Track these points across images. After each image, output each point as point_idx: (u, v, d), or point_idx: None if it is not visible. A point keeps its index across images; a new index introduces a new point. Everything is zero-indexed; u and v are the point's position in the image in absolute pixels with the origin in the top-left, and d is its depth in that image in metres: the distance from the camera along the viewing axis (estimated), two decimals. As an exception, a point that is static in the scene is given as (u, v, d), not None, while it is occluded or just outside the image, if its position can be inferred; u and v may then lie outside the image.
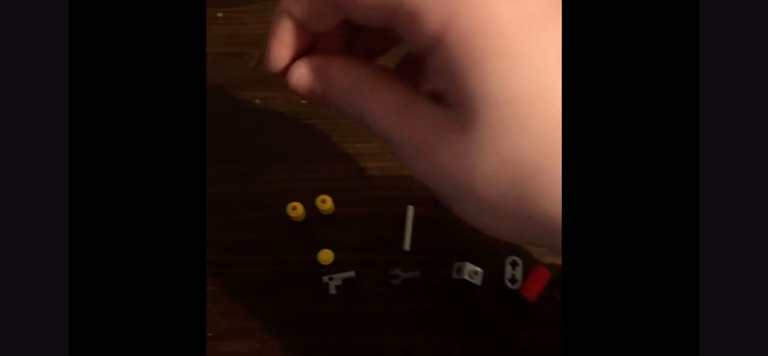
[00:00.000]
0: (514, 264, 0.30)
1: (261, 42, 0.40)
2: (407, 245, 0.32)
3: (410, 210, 0.33)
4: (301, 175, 0.34)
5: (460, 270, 0.30)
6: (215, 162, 0.34)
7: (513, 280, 0.30)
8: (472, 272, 0.30)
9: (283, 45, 0.22)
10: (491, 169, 0.18)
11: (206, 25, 0.40)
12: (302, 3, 0.20)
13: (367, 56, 0.25)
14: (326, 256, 0.31)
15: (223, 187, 0.34)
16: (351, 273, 0.31)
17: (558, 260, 0.31)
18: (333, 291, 0.31)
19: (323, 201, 0.32)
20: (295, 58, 0.22)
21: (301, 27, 0.21)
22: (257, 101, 0.37)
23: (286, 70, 0.23)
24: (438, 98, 0.20)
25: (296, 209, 0.32)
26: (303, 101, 0.37)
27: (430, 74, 0.19)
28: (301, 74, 0.22)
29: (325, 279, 0.31)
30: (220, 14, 0.41)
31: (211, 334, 0.30)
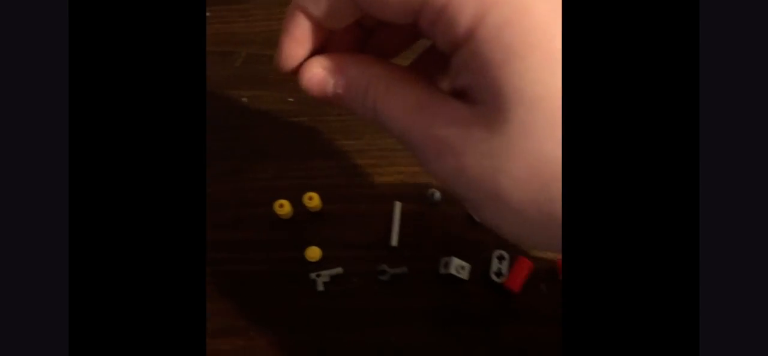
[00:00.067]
0: (500, 258, 0.30)
1: (248, 41, 0.40)
2: (395, 241, 0.32)
3: (397, 206, 0.33)
4: (288, 172, 0.34)
5: (447, 265, 0.30)
6: (202, 161, 0.34)
7: (498, 273, 0.30)
8: (459, 266, 0.30)
9: (295, 43, 0.21)
10: (520, 171, 0.17)
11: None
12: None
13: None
14: (314, 253, 0.31)
15: (211, 185, 0.34)
16: (339, 270, 0.31)
17: (543, 254, 0.31)
18: (321, 287, 0.31)
19: (310, 198, 0.32)
20: (308, 57, 0.21)
21: (315, 24, 0.20)
22: (244, 100, 0.37)
23: (297, 69, 0.21)
24: (461, 96, 0.19)
25: (283, 207, 0.32)
26: (290, 99, 0.37)
27: (456, 71, 0.18)
28: (314, 73, 0.21)
29: (313, 275, 0.31)
30: (208, 13, 0.41)
31: (199, 332, 0.30)
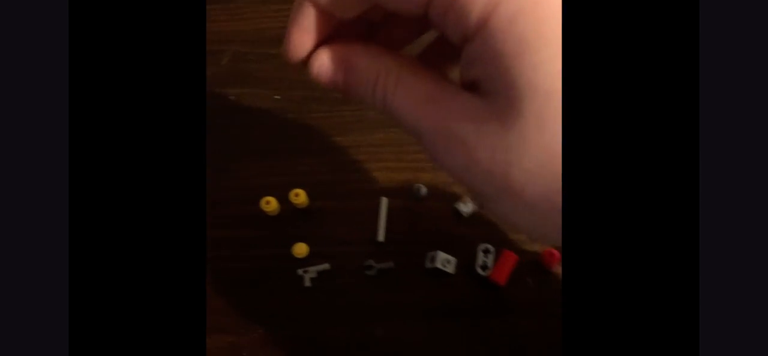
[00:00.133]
0: (486, 252, 0.31)
1: (234, 39, 0.40)
2: (381, 236, 0.32)
3: (384, 202, 0.33)
4: (274, 170, 0.34)
5: (433, 259, 0.30)
6: (189, 159, 0.34)
7: (484, 267, 0.30)
8: (444, 260, 0.30)
9: (304, 33, 0.20)
10: (533, 163, 0.17)
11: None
12: None
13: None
14: (301, 249, 0.32)
15: (197, 184, 0.34)
16: (326, 266, 0.31)
17: (529, 247, 0.31)
18: (308, 283, 0.31)
19: (297, 195, 0.32)
20: (316, 48, 0.21)
21: (323, 14, 0.20)
22: (231, 98, 0.37)
23: (306, 60, 0.21)
24: (472, 88, 0.19)
25: (270, 204, 0.32)
26: (276, 97, 0.37)
27: (467, 62, 0.18)
28: (323, 63, 0.21)
29: (300, 271, 0.31)
30: (192, 12, 0.41)
31: (186, 330, 0.30)
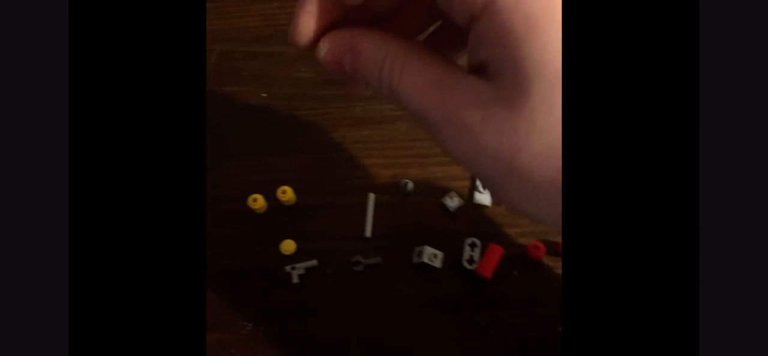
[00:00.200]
0: (472, 246, 0.31)
1: (222, 38, 0.40)
2: (368, 232, 0.32)
3: (371, 198, 0.33)
4: (262, 167, 0.35)
5: (420, 254, 0.30)
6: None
7: (471, 261, 0.30)
8: (431, 255, 0.30)
9: (311, 17, 0.20)
10: (540, 146, 0.17)
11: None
12: None
13: None
14: (288, 246, 0.32)
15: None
16: (313, 262, 0.31)
17: (515, 240, 0.32)
18: (296, 280, 0.31)
19: (284, 192, 0.32)
20: (323, 33, 0.21)
21: None
22: (218, 96, 0.37)
23: (313, 45, 0.21)
24: (479, 72, 0.18)
25: (257, 201, 0.32)
26: (263, 95, 0.37)
27: (474, 45, 0.18)
28: (330, 47, 0.21)
29: (288, 268, 0.31)
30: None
31: (174, 328, 0.30)
